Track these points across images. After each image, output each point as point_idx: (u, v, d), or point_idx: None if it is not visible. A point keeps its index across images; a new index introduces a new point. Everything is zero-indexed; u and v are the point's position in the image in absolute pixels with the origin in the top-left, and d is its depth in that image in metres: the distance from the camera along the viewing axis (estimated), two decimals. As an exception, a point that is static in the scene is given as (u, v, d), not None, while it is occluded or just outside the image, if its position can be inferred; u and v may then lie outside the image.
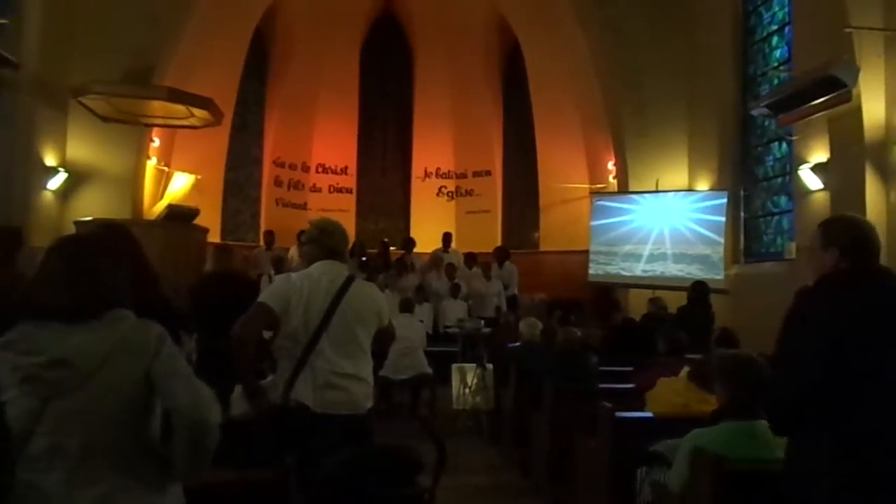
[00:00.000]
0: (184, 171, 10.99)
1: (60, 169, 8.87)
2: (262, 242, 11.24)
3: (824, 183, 7.08)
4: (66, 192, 9.04)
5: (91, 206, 8.77)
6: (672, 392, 3.48)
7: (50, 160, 8.78)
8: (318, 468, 2.46)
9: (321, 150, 13.43)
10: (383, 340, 3.11)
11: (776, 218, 8.59)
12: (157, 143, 10.47)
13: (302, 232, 8.96)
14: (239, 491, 2.36)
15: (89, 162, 9.17)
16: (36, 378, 1.66)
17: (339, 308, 2.84)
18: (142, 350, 1.72)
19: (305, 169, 13.34)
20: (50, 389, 1.66)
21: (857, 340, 1.87)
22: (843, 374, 1.87)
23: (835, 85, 6.36)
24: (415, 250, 10.96)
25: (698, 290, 6.82)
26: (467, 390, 6.54)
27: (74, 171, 9.03)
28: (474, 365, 6.58)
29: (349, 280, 2.94)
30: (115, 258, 1.85)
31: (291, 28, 12.76)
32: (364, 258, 9.89)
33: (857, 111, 6.45)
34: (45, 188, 8.72)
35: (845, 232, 2.07)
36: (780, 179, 8.54)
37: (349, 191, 13.60)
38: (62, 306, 1.71)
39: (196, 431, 1.69)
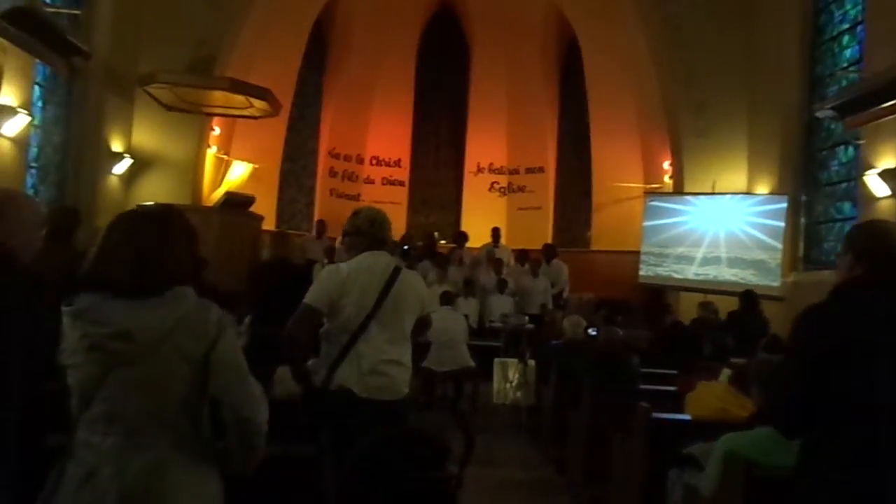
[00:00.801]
0: (242, 160, 11.28)
1: (126, 155, 9.23)
2: (313, 231, 11.44)
3: (893, 190, 6.79)
4: (130, 177, 9.41)
5: (153, 192, 9.11)
6: (711, 396, 3.42)
7: (116, 146, 9.15)
8: (352, 447, 2.51)
9: (376, 143, 13.59)
10: (419, 328, 3.15)
11: (839, 225, 8.27)
12: (217, 131, 10.78)
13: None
14: (277, 465, 2.45)
15: (153, 149, 9.53)
16: (101, 347, 1.75)
17: (388, 296, 2.90)
18: (202, 331, 1.78)
19: (360, 160, 13.52)
20: (112, 359, 1.75)
21: (856, 347, 1.83)
22: (840, 382, 1.82)
23: (907, 87, 6.10)
24: (465, 245, 10.99)
25: (748, 298, 6.67)
26: (508, 385, 6.54)
27: (139, 157, 9.39)
28: (516, 360, 6.56)
29: (397, 270, 2.99)
30: (177, 236, 1.91)
31: (350, 20, 12.93)
32: (406, 247, 10.00)
33: (931, 116, 6.18)
34: (110, 173, 9.09)
35: (862, 238, 2.02)
36: (844, 185, 8.21)
37: (402, 183, 13.72)
38: (125, 282, 1.78)
39: (244, 428, 1.78)
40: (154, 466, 1.73)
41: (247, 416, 1.78)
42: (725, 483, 2.54)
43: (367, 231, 3.02)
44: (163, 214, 1.95)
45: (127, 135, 9.38)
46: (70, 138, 8.49)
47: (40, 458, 1.95)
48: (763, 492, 2.40)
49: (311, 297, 2.89)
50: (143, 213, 1.96)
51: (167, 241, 1.87)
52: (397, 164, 13.72)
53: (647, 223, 9.99)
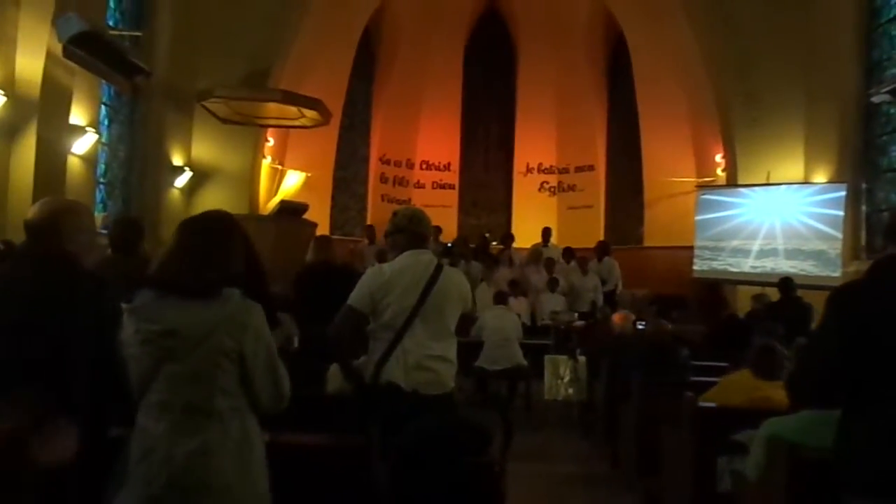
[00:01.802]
0: (296, 169, 11.61)
1: (186, 168, 9.65)
2: (365, 238, 11.67)
3: (955, 173, 6.56)
4: (190, 190, 9.83)
5: (212, 202, 9.46)
6: (732, 388, 3.46)
7: (177, 160, 9.57)
8: (399, 437, 2.62)
9: (425, 147, 13.77)
10: (463, 325, 3.22)
11: (901, 211, 8.01)
12: (271, 142, 11.13)
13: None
14: (328, 454, 2.59)
15: (211, 161, 9.92)
16: (152, 342, 1.95)
17: (431, 294, 2.98)
18: (242, 329, 1.97)
19: (410, 166, 13.72)
20: (162, 353, 1.95)
21: (884, 323, 1.88)
22: (870, 354, 1.87)
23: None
24: (514, 245, 11.04)
25: (784, 286, 6.57)
26: (560, 381, 6.57)
27: (198, 169, 9.79)
28: (566, 356, 6.59)
29: (439, 267, 3.08)
30: (237, 242, 2.10)
31: (398, 27, 13.16)
32: (449, 245, 10.09)
33: None
34: (172, 186, 9.51)
35: (890, 219, 2.09)
36: (905, 170, 7.96)
37: (452, 187, 13.86)
38: (185, 284, 1.97)
39: (271, 408, 2.06)
40: (199, 452, 1.91)
41: (275, 407, 2.07)
42: (770, 466, 2.55)
43: (405, 228, 3.10)
44: (225, 222, 2.13)
45: (187, 149, 9.79)
46: (134, 154, 8.94)
47: (105, 446, 2.14)
48: (806, 473, 2.40)
49: (353, 298, 2.99)
50: (210, 221, 2.13)
51: (228, 247, 2.05)
52: (447, 167, 13.87)
53: (699, 217, 9.85)
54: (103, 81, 7.59)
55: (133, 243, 3.75)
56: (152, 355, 1.95)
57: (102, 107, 8.13)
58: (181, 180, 9.60)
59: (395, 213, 3.20)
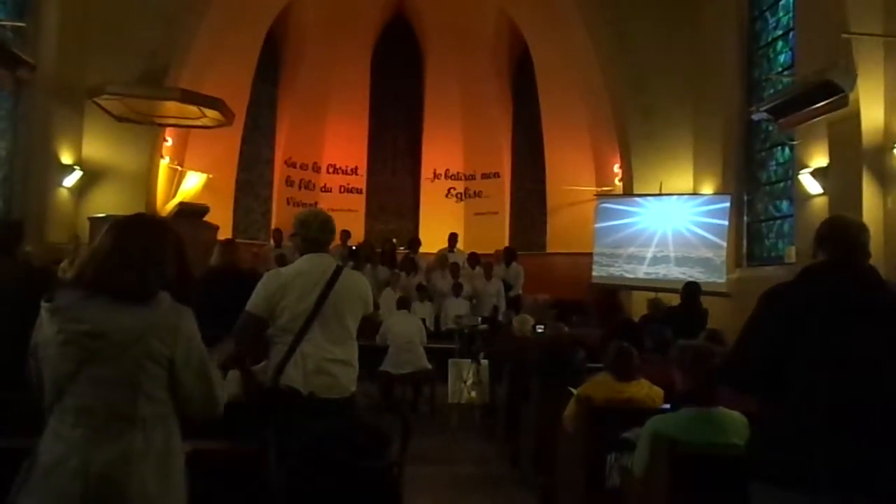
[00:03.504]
0: (197, 170, 11.22)
1: (76, 167, 9.13)
2: (271, 241, 11.44)
3: (823, 188, 7.13)
4: (81, 190, 9.30)
5: (105, 204, 9.02)
6: (597, 389, 3.71)
7: (66, 158, 9.05)
8: (295, 441, 2.60)
9: (332, 151, 13.64)
10: (369, 328, 3.25)
11: (778, 222, 8.63)
12: (170, 142, 10.71)
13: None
14: (225, 459, 2.53)
15: (104, 160, 9.43)
16: (75, 343, 1.84)
17: (329, 297, 2.98)
18: (174, 334, 1.90)
19: (316, 169, 13.55)
20: (85, 356, 1.84)
21: (805, 322, 2.05)
22: (790, 350, 2.05)
23: (833, 90, 6.42)
24: (421, 250, 11.12)
25: (689, 290, 6.91)
26: (463, 385, 6.67)
27: (89, 169, 9.29)
28: (470, 360, 6.70)
29: (338, 270, 3.08)
30: (171, 246, 2.01)
31: (303, 30, 12.98)
32: (353, 248, 10.08)
33: (856, 116, 6.49)
34: (60, 185, 8.98)
35: (823, 229, 2.29)
36: (782, 184, 8.58)
37: (359, 191, 13.79)
38: (124, 286, 1.87)
39: (203, 415, 2.00)
40: (120, 459, 1.82)
41: (210, 414, 2.01)
42: (653, 461, 2.70)
43: (305, 231, 3.10)
44: (160, 224, 2.07)
45: (77, 147, 9.27)
46: (17, 151, 8.38)
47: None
48: (686, 467, 2.56)
49: (251, 304, 2.98)
50: (147, 221, 2.06)
51: (164, 249, 1.98)
52: (354, 171, 13.79)
53: (598, 225, 10.24)
54: (-18, 73, 7.10)
55: (11, 244, 3.59)
56: (74, 357, 1.83)
57: (-20, 100, 7.60)
58: (70, 179, 9.08)
59: (296, 217, 3.19)
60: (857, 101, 6.44)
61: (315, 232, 3.10)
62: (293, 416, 2.82)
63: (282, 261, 9.09)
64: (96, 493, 1.79)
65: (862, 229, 2.24)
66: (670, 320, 6.06)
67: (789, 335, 2.05)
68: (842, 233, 2.21)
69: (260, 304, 2.96)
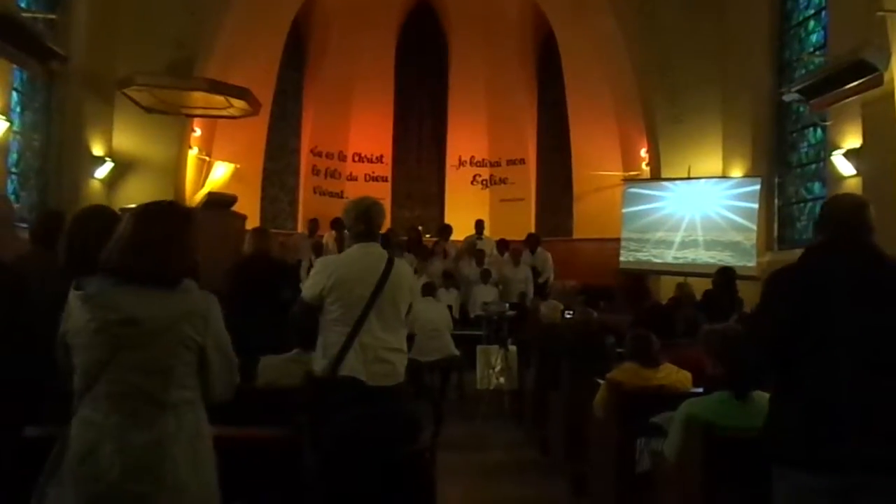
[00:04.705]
0: (224, 160, 11.33)
1: (107, 158, 9.26)
2: (304, 229, 11.52)
3: (857, 169, 6.97)
4: (112, 181, 9.44)
5: (135, 194, 9.12)
6: (622, 375, 3.70)
7: (97, 150, 9.18)
8: (335, 427, 2.64)
9: (357, 140, 13.67)
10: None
11: (809, 205, 8.48)
12: (198, 132, 10.82)
13: (337, 219, 9.27)
14: (257, 446, 2.57)
15: (134, 151, 9.55)
16: (108, 331, 1.87)
17: (384, 288, 3.02)
18: (204, 321, 1.95)
19: (342, 158, 13.61)
20: (118, 343, 1.87)
21: (812, 303, 2.03)
22: (799, 333, 2.01)
23: (866, 69, 6.26)
24: (449, 238, 11.12)
25: (724, 275, 6.81)
26: (491, 371, 6.68)
27: (120, 160, 9.41)
28: (497, 346, 6.70)
29: (391, 261, 3.11)
30: (193, 233, 2.05)
31: (329, 18, 13.00)
32: (385, 236, 10.12)
33: (890, 96, 6.32)
34: (92, 177, 9.12)
35: (825, 210, 2.28)
36: (814, 166, 8.42)
37: (385, 179, 13.82)
38: (148, 271, 1.90)
39: (222, 399, 2.05)
40: (154, 444, 1.85)
41: (228, 395, 2.06)
42: (687, 446, 2.69)
43: (351, 225, 3.17)
44: (182, 212, 2.09)
45: (107, 138, 9.41)
46: (50, 143, 8.52)
47: (18, 447, 2.06)
48: (721, 452, 2.55)
49: (305, 291, 3.06)
50: (167, 209, 2.07)
51: (188, 237, 2.01)
52: (380, 160, 13.82)
53: (625, 210, 10.16)
54: (14, 66, 7.21)
55: (55, 236, 3.63)
56: (107, 345, 1.86)
57: (14, 93, 7.72)
58: (102, 171, 9.22)
59: (346, 205, 3.23)
60: (891, 81, 6.26)
61: (370, 223, 3.14)
62: (346, 405, 2.84)
63: (318, 249, 9.17)
64: (131, 477, 1.82)
65: (864, 207, 2.22)
66: (705, 305, 6.00)
67: (801, 315, 2.04)
68: (843, 212, 2.20)
69: (312, 291, 3.01)
